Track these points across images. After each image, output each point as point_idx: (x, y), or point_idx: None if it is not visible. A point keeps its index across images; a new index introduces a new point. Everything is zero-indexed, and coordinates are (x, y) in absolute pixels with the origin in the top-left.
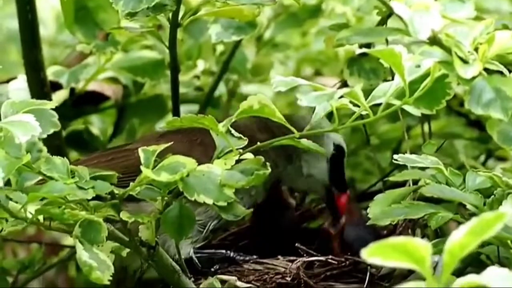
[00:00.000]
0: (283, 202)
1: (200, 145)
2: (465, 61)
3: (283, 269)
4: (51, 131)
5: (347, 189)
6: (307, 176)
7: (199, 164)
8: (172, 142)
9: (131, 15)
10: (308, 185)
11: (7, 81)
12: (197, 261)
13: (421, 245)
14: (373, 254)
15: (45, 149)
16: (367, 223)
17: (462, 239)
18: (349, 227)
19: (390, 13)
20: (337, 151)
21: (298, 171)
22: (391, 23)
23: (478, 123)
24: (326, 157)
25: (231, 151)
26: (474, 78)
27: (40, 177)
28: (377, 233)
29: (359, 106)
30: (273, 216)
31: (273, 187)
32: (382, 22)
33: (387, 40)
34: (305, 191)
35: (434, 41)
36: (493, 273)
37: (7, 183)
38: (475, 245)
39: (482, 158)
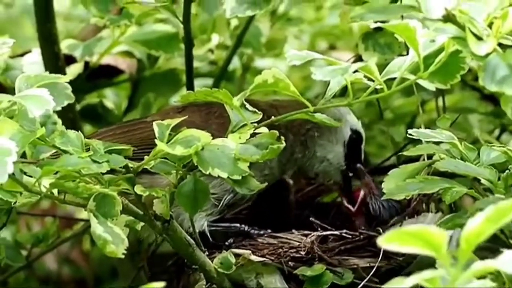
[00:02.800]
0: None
1: (217, 118)
2: (479, 38)
3: (297, 243)
4: (65, 103)
5: (365, 176)
6: (322, 161)
7: (214, 138)
8: (188, 116)
9: None
10: (324, 170)
11: (22, 55)
12: (209, 234)
13: (438, 233)
14: (391, 241)
15: (59, 121)
16: (382, 198)
17: (479, 227)
18: (371, 200)
19: None
20: (355, 135)
21: (314, 157)
22: None
23: (492, 97)
24: (343, 141)
25: (245, 125)
26: (488, 54)
27: (54, 151)
28: (399, 202)
29: (373, 81)
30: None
31: None
32: None
33: (402, 16)
34: (321, 177)
35: (448, 18)
36: (508, 258)
37: (22, 156)
38: (491, 232)
39: (497, 132)
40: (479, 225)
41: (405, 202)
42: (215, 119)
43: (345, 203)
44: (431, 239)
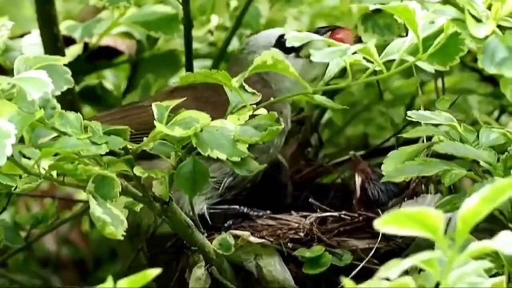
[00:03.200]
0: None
1: (214, 98)
2: (478, 20)
3: (296, 225)
4: (64, 88)
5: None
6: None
7: (213, 119)
8: (184, 98)
9: None
10: None
11: (21, 36)
12: (208, 217)
13: (435, 215)
14: (388, 223)
15: (59, 106)
16: (381, 181)
17: (475, 207)
18: (369, 185)
19: None
20: None
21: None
22: None
23: (491, 79)
24: None
25: (244, 106)
26: (487, 37)
27: (54, 135)
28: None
29: (372, 62)
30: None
31: None
32: None
33: None
34: None
35: (447, 0)
36: (506, 238)
37: (20, 139)
38: (488, 212)
39: (496, 113)
40: (476, 205)
41: (404, 184)
42: (211, 99)
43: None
44: (428, 221)
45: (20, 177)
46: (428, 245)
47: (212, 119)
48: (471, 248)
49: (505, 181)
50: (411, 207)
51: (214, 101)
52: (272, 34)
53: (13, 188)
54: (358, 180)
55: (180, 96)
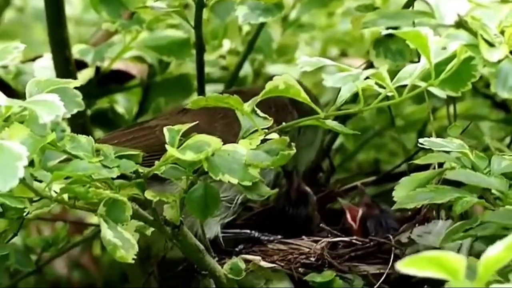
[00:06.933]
0: (301, 191)
1: (222, 119)
2: (491, 44)
3: (307, 249)
4: (75, 111)
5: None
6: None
7: (222, 140)
8: (194, 118)
9: None
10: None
11: (33, 60)
12: (221, 240)
13: (456, 258)
14: (409, 266)
15: (68, 129)
16: (393, 207)
17: (498, 254)
18: (370, 220)
19: None
20: None
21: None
22: (418, 4)
23: (504, 105)
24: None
25: (256, 131)
26: (500, 61)
27: (63, 157)
28: (400, 220)
29: (384, 88)
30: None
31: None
32: (409, 4)
33: (413, 22)
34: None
35: (460, 25)
36: None
37: (30, 162)
38: (510, 259)
39: (508, 140)
40: (499, 252)
41: (416, 209)
42: (220, 120)
43: (349, 219)
44: (449, 264)
45: (32, 201)
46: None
47: (226, 136)
48: None
49: None
50: (432, 251)
51: (228, 115)
52: None
53: (25, 213)
54: (360, 212)
55: (191, 114)
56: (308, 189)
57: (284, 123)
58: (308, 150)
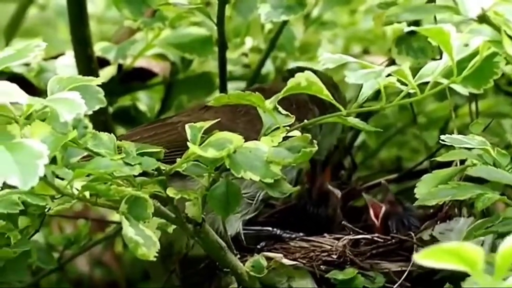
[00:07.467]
0: (323, 191)
1: (244, 116)
2: None
3: (329, 247)
4: (97, 107)
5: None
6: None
7: (244, 137)
8: (216, 115)
9: None
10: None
11: (55, 58)
12: (243, 237)
13: (474, 250)
14: (427, 257)
15: (90, 125)
16: (414, 204)
17: None
18: (392, 218)
19: None
20: None
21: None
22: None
23: None
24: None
25: (278, 128)
26: None
27: (84, 154)
28: (422, 218)
29: (406, 85)
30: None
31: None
32: None
33: (435, 19)
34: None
35: (483, 19)
36: None
37: (52, 160)
38: None
39: None
40: None
41: (438, 206)
42: (241, 117)
43: (372, 216)
44: (467, 255)
45: (54, 198)
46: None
47: (248, 133)
48: (509, 282)
49: None
50: (450, 242)
51: (250, 113)
52: None
53: (46, 210)
54: (383, 209)
55: (213, 111)
56: (331, 188)
57: (305, 120)
58: (330, 137)
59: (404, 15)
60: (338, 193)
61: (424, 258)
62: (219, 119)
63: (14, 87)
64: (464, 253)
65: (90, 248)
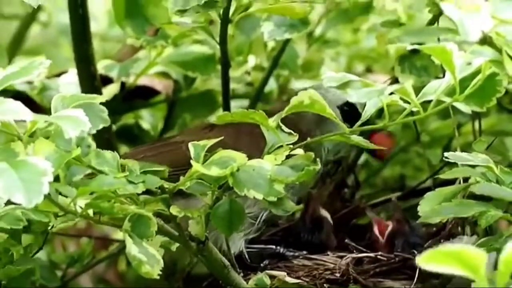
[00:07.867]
0: (317, 216)
1: (247, 134)
2: None
3: (332, 265)
4: (100, 126)
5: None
6: None
7: (248, 155)
8: (219, 133)
9: (181, 12)
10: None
11: (58, 75)
12: (247, 255)
13: (476, 254)
14: (428, 261)
15: (94, 144)
16: (418, 221)
17: None
18: (399, 237)
19: (441, 11)
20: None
21: None
22: (443, 20)
23: None
24: None
25: (281, 146)
26: None
27: (88, 172)
28: (425, 236)
29: (409, 103)
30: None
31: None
32: (434, 20)
33: (438, 38)
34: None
35: (484, 41)
36: None
37: (55, 177)
38: None
39: None
40: None
41: (441, 225)
42: (245, 135)
43: (376, 232)
44: (469, 259)
45: (57, 215)
46: (464, 286)
47: (251, 151)
48: None
49: None
50: (451, 245)
51: (253, 132)
52: None
53: (49, 227)
54: (390, 227)
55: (216, 130)
56: (324, 213)
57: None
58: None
59: (405, 37)
60: (329, 218)
61: (426, 261)
62: (222, 137)
63: (19, 105)
64: (466, 256)
65: (93, 266)
